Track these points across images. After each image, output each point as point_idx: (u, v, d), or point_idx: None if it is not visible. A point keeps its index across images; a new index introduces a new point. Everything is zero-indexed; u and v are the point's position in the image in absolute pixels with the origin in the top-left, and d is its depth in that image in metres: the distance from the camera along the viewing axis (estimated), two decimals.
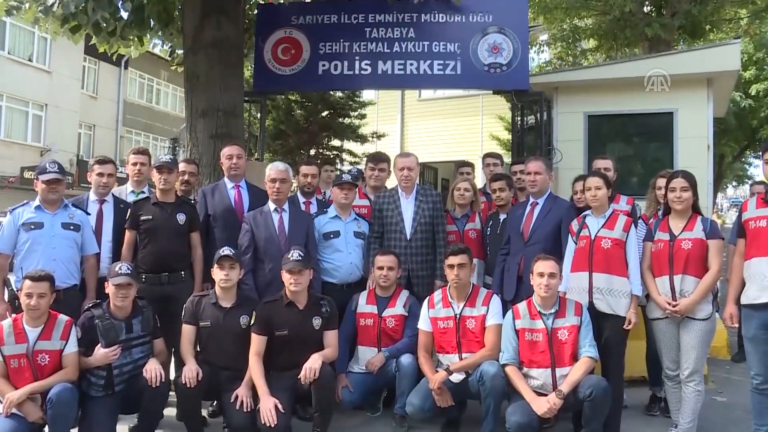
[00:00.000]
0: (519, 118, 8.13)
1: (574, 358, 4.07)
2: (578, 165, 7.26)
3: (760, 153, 4.13)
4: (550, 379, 4.05)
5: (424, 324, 4.49)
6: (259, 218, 4.85)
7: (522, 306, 4.25)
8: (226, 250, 4.33)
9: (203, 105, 6.68)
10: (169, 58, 8.75)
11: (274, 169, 4.90)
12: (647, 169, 7.27)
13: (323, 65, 7.54)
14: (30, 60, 22.91)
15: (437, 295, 4.55)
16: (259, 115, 8.53)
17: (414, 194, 5.12)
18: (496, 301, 4.47)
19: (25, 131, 23.02)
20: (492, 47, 7.27)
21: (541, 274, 4.10)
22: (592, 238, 4.37)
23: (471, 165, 6.44)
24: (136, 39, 7.37)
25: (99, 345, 4.02)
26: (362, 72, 7.47)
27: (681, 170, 4.51)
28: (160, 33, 7.48)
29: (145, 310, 4.27)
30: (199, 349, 4.41)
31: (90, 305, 4.22)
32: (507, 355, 4.17)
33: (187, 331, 4.36)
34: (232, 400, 4.11)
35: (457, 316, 4.41)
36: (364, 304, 4.76)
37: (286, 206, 4.93)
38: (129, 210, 4.86)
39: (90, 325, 4.06)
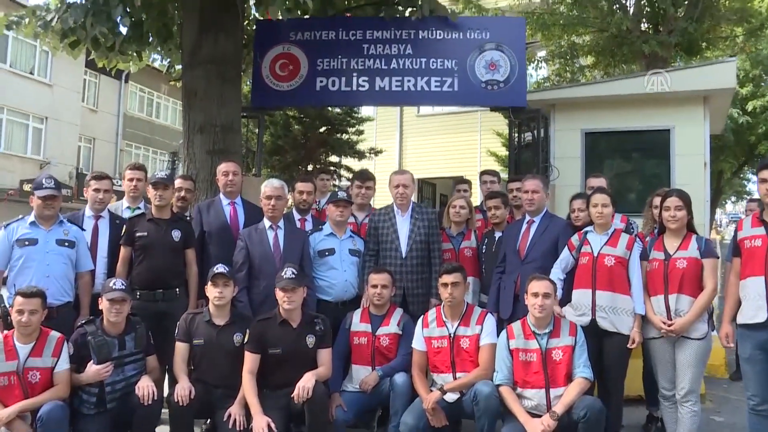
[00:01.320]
0: (516, 135, 8.14)
1: (569, 378, 4.04)
2: (575, 182, 7.25)
3: (756, 170, 4.13)
4: (544, 400, 4.02)
5: (418, 343, 4.47)
6: (254, 235, 4.84)
7: (516, 326, 4.23)
8: (220, 268, 4.33)
9: (200, 120, 6.68)
10: (168, 73, 8.77)
11: (269, 186, 4.91)
12: (644, 187, 7.28)
13: (321, 81, 7.53)
14: (31, 73, 22.98)
15: (431, 314, 4.53)
16: (257, 130, 8.53)
17: (410, 212, 5.11)
18: (490, 320, 4.43)
19: (25, 144, 23.05)
20: (489, 64, 7.28)
21: (536, 294, 4.08)
22: (595, 255, 4.37)
23: (468, 182, 6.44)
24: (135, 54, 7.38)
25: (91, 362, 4.00)
26: (360, 88, 7.46)
27: (675, 189, 4.52)
28: (158, 48, 7.50)
29: (139, 327, 4.26)
30: (192, 367, 4.38)
31: (83, 322, 4.20)
32: (501, 376, 4.14)
33: (181, 348, 4.34)
34: (225, 419, 4.08)
35: (452, 335, 4.37)
36: (357, 323, 4.73)
37: (281, 223, 4.92)
38: (124, 226, 4.84)
39: (82, 342, 4.04)
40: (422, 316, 4.53)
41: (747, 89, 15.14)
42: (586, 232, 4.54)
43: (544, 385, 4.03)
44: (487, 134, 17.02)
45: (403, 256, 5.00)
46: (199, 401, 4.10)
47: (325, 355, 4.35)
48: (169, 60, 8.22)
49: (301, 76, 7.57)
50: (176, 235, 4.80)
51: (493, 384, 4.12)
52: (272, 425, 3.96)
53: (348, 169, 14.10)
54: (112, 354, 4.07)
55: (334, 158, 14.26)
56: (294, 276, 4.27)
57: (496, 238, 5.25)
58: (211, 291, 4.32)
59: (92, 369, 3.97)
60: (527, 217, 4.98)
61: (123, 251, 4.79)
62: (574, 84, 11.10)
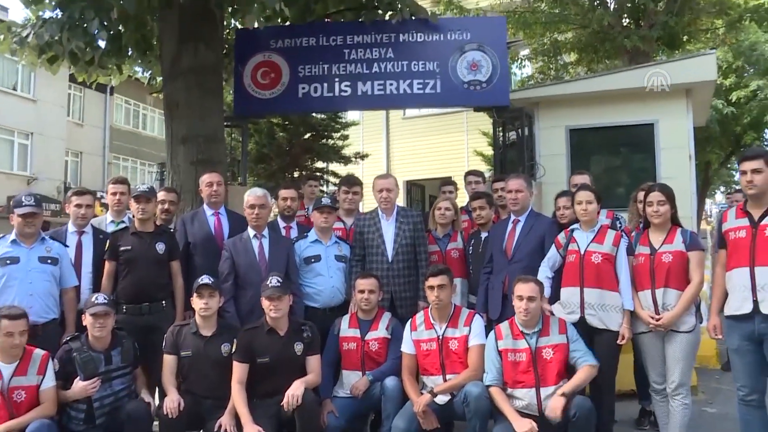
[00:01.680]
0: (501, 134, 8.15)
1: (560, 377, 4.03)
2: (561, 179, 7.27)
3: (737, 162, 4.14)
4: (535, 399, 4.01)
5: (407, 347, 4.46)
6: (239, 245, 4.81)
7: (504, 326, 4.22)
8: (204, 279, 4.30)
9: (183, 131, 6.65)
10: (150, 85, 8.73)
11: (252, 195, 4.88)
12: (630, 181, 7.30)
13: (303, 88, 7.55)
14: (14, 89, 22.85)
15: (419, 317, 4.51)
16: (241, 139, 8.51)
17: (394, 216, 5.10)
18: (478, 321, 4.43)
19: (11, 160, 22.90)
20: (471, 65, 7.30)
21: (521, 298, 4.08)
22: (582, 252, 4.37)
23: (453, 183, 6.43)
24: (114, 67, 7.33)
25: (77, 378, 3.96)
26: (342, 93, 7.48)
27: (658, 184, 4.53)
28: (139, 61, 7.46)
29: (125, 341, 4.23)
30: (181, 379, 4.35)
31: (68, 338, 4.16)
32: (490, 376, 4.13)
33: (169, 361, 4.31)
34: (215, 430, 4.05)
35: (440, 337, 4.37)
36: (346, 328, 4.70)
37: (265, 232, 4.89)
38: (108, 241, 4.81)
39: (68, 359, 4.01)
40: (410, 319, 4.51)
41: (731, 80, 15.19)
42: (573, 230, 4.54)
43: (534, 384, 4.02)
44: (474, 134, 17.03)
45: (390, 260, 4.98)
46: (188, 413, 4.08)
47: (313, 362, 4.33)
48: (150, 72, 8.17)
49: (283, 83, 7.59)
50: (160, 247, 4.77)
51: (483, 385, 4.11)
52: None
53: (335, 174, 14.08)
54: (99, 369, 4.03)
55: (320, 164, 14.24)
56: (279, 284, 4.25)
57: (483, 239, 5.24)
58: (196, 302, 4.29)
59: (79, 385, 3.94)
60: (512, 217, 4.97)
61: (107, 266, 4.75)
62: (557, 81, 11.11)
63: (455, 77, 7.29)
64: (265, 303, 4.25)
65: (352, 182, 5.60)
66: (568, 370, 4.12)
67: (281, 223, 5.50)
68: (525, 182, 4.98)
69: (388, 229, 5.05)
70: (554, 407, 3.85)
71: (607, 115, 7.58)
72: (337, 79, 7.47)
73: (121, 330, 4.30)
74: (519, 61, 14.51)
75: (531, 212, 4.99)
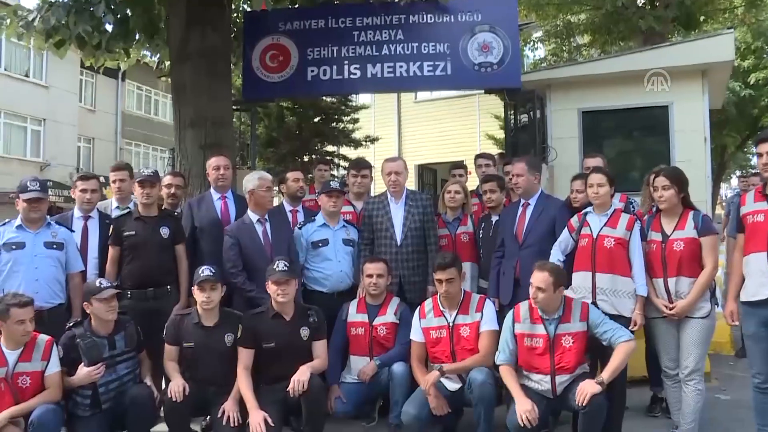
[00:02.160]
0: (512, 117, 8.04)
1: (578, 364, 3.94)
2: (574, 162, 7.17)
3: (754, 143, 4.02)
4: (550, 386, 3.93)
5: (416, 335, 4.38)
6: (244, 230, 4.73)
7: (524, 307, 4.06)
8: (205, 272, 4.21)
9: (191, 115, 6.60)
10: (158, 69, 8.68)
11: (266, 179, 4.80)
12: (644, 165, 7.15)
13: (312, 71, 7.48)
14: (27, 75, 22.87)
15: (428, 304, 4.41)
16: (250, 123, 8.46)
17: (404, 199, 5.02)
18: (489, 307, 4.33)
19: (24, 147, 22.99)
20: (482, 46, 7.19)
21: (531, 285, 3.95)
22: (595, 236, 4.27)
23: (464, 167, 6.35)
24: (122, 51, 7.27)
25: (82, 364, 3.94)
26: (352, 76, 7.40)
27: (665, 167, 4.43)
28: (147, 45, 7.40)
29: (128, 326, 4.20)
30: (184, 367, 4.31)
31: (71, 324, 4.13)
32: (503, 356, 4.04)
33: (170, 351, 4.27)
34: (219, 415, 4.02)
35: (451, 324, 4.28)
36: (354, 313, 4.66)
37: (266, 216, 4.83)
38: (111, 226, 4.78)
39: (71, 345, 3.98)
40: (419, 307, 4.43)
41: (749, 62, 14.94)
42: (586, 213, 4.44)
43: (550, 372, 3.92)
44: (486, 118, 16.89)
45: (398, 243, 4.92)
46: (193, 398, 4.05)
47: (320, 347, 4.28)
48: (158, 56, 8.11)
49: (292, 66, 7.52)
50: (165, 231, 4.73)
51: (488, 371, 4.04)
52: (269, 420, 3.90)
53: (345, 158, 14.02)
54: (103, 355, 4.00)
55: (330, 148, 14.16)
56: (287, 268, 4.19)
57: (493, 222, 5.16)
58: (198, 296, 4.22)
59: (83, 371, 3.91)
60: (522, 200, 4.88)
61: (111, 251, 4.71)
62: (570, 63, 10.95)
63: (466, 59, 7.18)
64: (272, 287, 4.19)
65: (361, 165, 5.54)
66: (589, 351, 4.04)
67: (287, 206, 5.46)
68: (526, 165, 4.85)
69: (397, 212, 4.98)
70: (584, 392, 3.67)
71: (620, 98, 7.43)
72: (346, 62, 7.39)
73: (124, 314, 4.26)
74: (531, 43, 14.33)
75: (541, 195, 4.89)
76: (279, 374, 4.13)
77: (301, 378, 3.97)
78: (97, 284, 4.09)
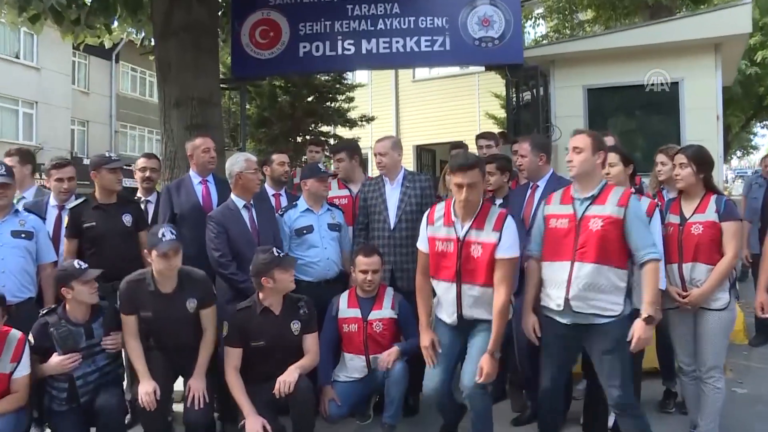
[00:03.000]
0: (514, 95, 7.74)
1: (607, 256, 3.33)
2: None
3: None
4: (566, 276, 3.39)
5: (422, 243, 3.75)
6: (230, 217, 4.35)
7: (558, 193, 3.64)
8: (168, 234, 3.78)
9: (176, 94, 6.26)
10: (142, 46, 8.32)
11: (251, 160, 4.44)
12: (652, 144, 6.84)
13: (304, 47, 7.19)
14: (17, 57, 22.46)
15: (439, 209, 3.70)
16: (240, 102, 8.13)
17: (400, 180, 4.68)
18: (511, 227, 3.52)
19: (16, 130, 22.63)
20: (482, 20, 6.88)
21: (567, 149, 3.48)
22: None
23: (464, 146, 6.02)
24: (103, 27, 6.91)
25: (55, 354, 3.61)
26: (345, 52, 7.10)
27: (689, 145, 4.06)
28: (129, 20, 7.03)
29: (105, 310, 3.85)
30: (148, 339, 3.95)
31: (44, 312, 3.80)
32: (532, 246, 3.67)
33: (129, 322, 3.84)
34: (186, 393, 3.77)
35: (460, 239, 3.54)
36: (345, 308, 4.32)
37: (251, 201, 4.48)
38: (66, 217, 4.38)
39: (44, 333, 3.64)
40: (428, 212, 3.79)
41: (756, 38, 14.54)
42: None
43: (571, 258, 3.38)
44: (486, 96, 16.56)
45: (392, 227, 4.58)
46: (163, 374, 3.81)
47: (310, 341, 3.96)
48: (143, 33, 7.74)
49: (283, 42, 7.24)
50: (127, 219, 4.39)
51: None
52: (267, 427, 3.63)
53: (340, 138, 13.64)
54: (80, 345, 3.67)
55: (324, 128, 13.78)
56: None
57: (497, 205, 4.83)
58: (159, 263, 3.78)
59: (55, 359, 3.58)
60: (531, 183, 4.54)
61: (68, 244, 4.30)
62: (575, 38, 10.59)
63: (465, 34, 6.89)
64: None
65: (335, 150, 5.32)
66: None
67: (270, 191, 5.12)
68: (530, 146, 4.48)
69: (392, 194, 4.65)
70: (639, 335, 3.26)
71: (628, 74, 7.15)
72: (339, 37, 7.09)
73: (103, 299, 3.91)
74: (533, 19, 13.94)
75: (551, 177, 4.50)
76: (268, 373, 3.81)
77: (287, 379, 3.67)
78: (77, 266, 3.74)
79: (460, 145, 6.07)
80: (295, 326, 3.92)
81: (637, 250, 3.34)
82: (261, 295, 3.90)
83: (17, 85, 22.11)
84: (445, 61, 7.75)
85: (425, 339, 3.69)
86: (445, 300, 3.64)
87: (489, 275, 3.49)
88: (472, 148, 6.14)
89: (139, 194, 5.08)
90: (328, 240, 4.61)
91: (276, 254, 3.79)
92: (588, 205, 3.42)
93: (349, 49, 7.05)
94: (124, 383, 4.19)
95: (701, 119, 6.74)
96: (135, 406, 3.77)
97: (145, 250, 3.88)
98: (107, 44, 7.94)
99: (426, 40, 6.93)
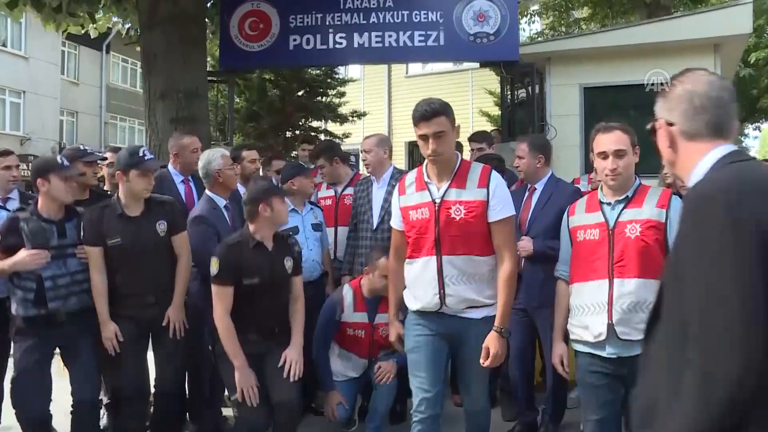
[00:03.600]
0: (509, 93, 7.61)
1: (647, 269, 2.72)
2: (574, 141, 6.79)
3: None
4: (606, 297, 2.79)
5: (395, 220, 3.19)
6: (217, 217, 4.04)
7: (582, 200, 3.15)
8: (147, 153, 3.60)
9: (161, 86, 6.13)
10: (127, 36, 8.13)
11: (225, 156, 4.21)
12: (649, 146, 6.70)
13: (294, 40, 7.06)
14: (4, 45, 22.08)
15: (410, 176, 3.17)
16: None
17: (386, 179, 4.46)
18: (499, 182, 3.00)
19: (2, 119, 22.28)
20: (478, 15, 6.76)
21: (604, 155, 2.87)
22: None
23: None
24: (86, 16, 6.71)
25: (24, 248, 3.36)
26: (337, 46, 6.97)
27: None
28: (114, 9, 6.85)
29: (82, 216, 3.59)
30: (112, 280, 3.56)
31: (16, 209, 3.58)
32: (560, 267, 3.15)
33: (94, 255, 3.47)
34: (164, 323, 3.52)
35: (437, 201, 2.95)
36: (352, 313, 4.06)
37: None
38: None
39: (14, 227, 3.39)
40: (398, 182, 3.30)
41: (750, 40, 14.47)
42: None
43: (608, 275, 2.81)
44: (479, 93, 16.44)
45: (374, 227, 4.37)
46: (135, 351, 3.56)
47: (299, 285, 3.69)
48: (129, 23, 7.55)
49: (273, 34, 7.10)
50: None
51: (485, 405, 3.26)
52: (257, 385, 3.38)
53: (330, 134, 13.44)
54: (51, 242, 3.41)
55: (315, 123, 13.60)
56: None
57: None
58: (140, 182, 3.51)
59: (23, 252, 3.31)
60: (529, 185, 4.35)
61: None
62: (572, 35, 10.46)
63: (460, 29, 6.77)
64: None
65: (315, 155, 4.98)
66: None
67: (242, 189, 4.86)
68: (528, 147, 4.25)
69: (378, 193, 4.46)
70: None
71: (625, 73, 6.98)
72: (331, 30, 6.96)
73: (79, 206, 3.68)
74: (528, 16, 13.80)
75: (550, 179, 4.26)
76: (255, 318, 3.48)
77: (297, 359, 3.47)
78: (59, 160, 3.52)
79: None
80: (288, 263, 3.60)
81: None
82: (253, 228, 3.52)
83: (4, 74, 21.72)
84: (440, 56, 7.65)
85: (392, 333, 3.25)
86: (423, 280, 2.97)
87: (476, 242, 2.90)
88: (466, 145, 5.99)
89: (107, 188, 4.79)
90: (312, 241, 4.44)
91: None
92: (621, 209, 2.87)
93: (341, 43, 6.93)
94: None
95: None
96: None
97: (118, 171, 3.55)
98: (92, 34, 7.77)
99: (420, 35, 6.81)
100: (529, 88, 7.33)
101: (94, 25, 7.29)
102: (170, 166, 4.61)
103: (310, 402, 4.56)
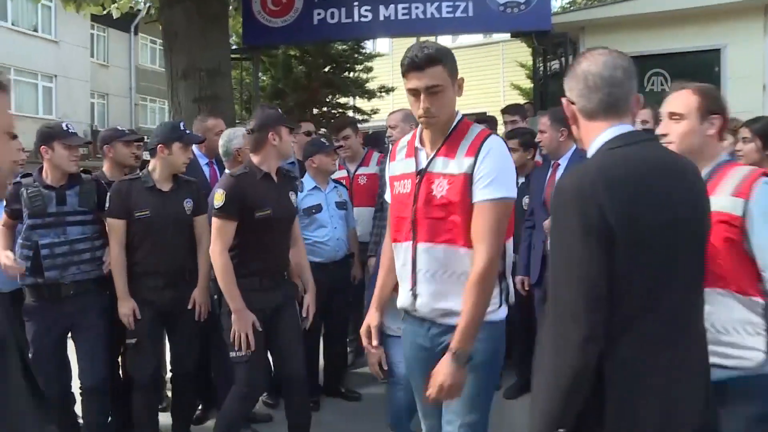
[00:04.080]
0: (541, 64, 7.35)
1: (721, 277, 2.02)
2: None
3: None
4: None
5: (387, 193, 2.54)
6: None
7: None
8: (184, 126, 3.63)
9: (183, 65, 5.98)
10: (148, 15, 8.01)
11: (246, 135, 4.05)
12: None
13: (318, 14, 6.91)
14: (35, 30, 22.29)
15: (404, 139, 2.49)
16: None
17: None
18: (495, 151, 2.21)
19: (36, 104, 22.55)
20: None
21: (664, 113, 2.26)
22: None
23: (487, 120, 5.64)
24: None
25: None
26: (362, 19, 6.81)
27: (756, 117, 3.59)
28: None
29: (87, 184, 3.51)
30: (133, 255, 3.47)
31: (21, 174, 3.52)
32: None
33: (117, 229, 3.39)
34: (190, 306, 3.43)
35: (419, 173, 2.29)
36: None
37: None
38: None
39: (16, 194, 3.37)
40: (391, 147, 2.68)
41: None
42: None
43: None
44: (511, 66, 16.07)
45: None
46: (152, 340, 3.49)
47: (297, 225, 3.62)
48: (150, 2, 7.43)
49: (297, 9, 6.95)
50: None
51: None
52: (257, 325, 3.15)
53: (359, 110, 13.23)
54: (48, 209, 3.34)
55: (342, 99, 13.38)
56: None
57: (519, 185, 4.43)
58: (183, 155, 3.50)
59: (3, 255, 3.24)
60: (552, 161, 4.14)
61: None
62: (607, 2, 10.06)
63: None
64: (285, 133, 3.33)
65: (338, 128, 4.88)
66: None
67: None
68: (549, 120, 4.03)
69: None
70: None
71: (664, 41, 6.70)
72: (356, 3, 6.80)
73: (87, 173, 3.61)
74: None
75: (574, 153, 4.05)
76: (266, 258, 3.25)
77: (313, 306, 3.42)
78: (64, 127, 3.45)
79: (483, 119, 5.68)
80: (293, 197, 3.47)
81: (765, 268, 2.00)
82: (258, 159, 3.29)
83: (36, 59, 21.96)
84: (469, 28, 7.41)
85: (364, 323, 2.53)
86: (402, 273, 2.37)
87: (460, 229, 2.19)
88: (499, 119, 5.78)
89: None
90: (336, 219, 4.30)
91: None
92: None
93: (366, 16, 6.76)
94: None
95: (745, 89, 6.27)
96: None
97: (160, 144, 3.47)
98: (115, 14, 7.64)
99: (448, 6, 6.61)
100: (563, 59, 7.11)
101: (116, 5, 7.17)
102: (195, 148, 4.49)
103: (338, 385, 4.47)
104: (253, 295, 3.17)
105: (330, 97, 12.89)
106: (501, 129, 5.67)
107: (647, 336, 1.54)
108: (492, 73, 17.28)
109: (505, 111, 5.61)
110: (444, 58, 2.24)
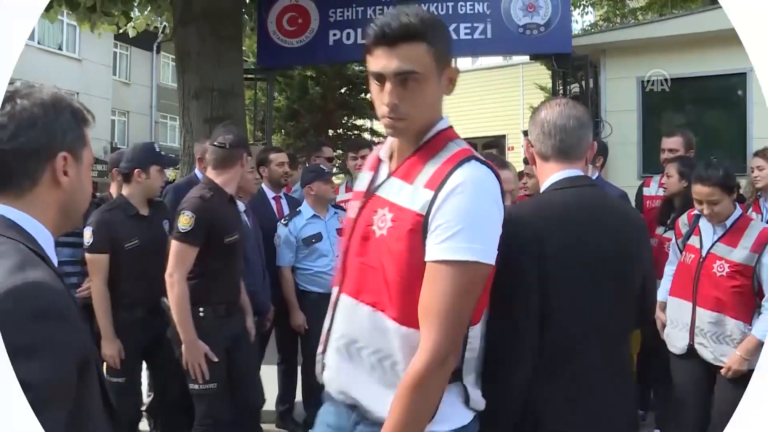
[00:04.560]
0: (561, 87, 7.19)
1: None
2: (631, 139, 6.36)
3: None
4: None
5: None
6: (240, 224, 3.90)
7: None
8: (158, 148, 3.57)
9: (196, 85, 5.96)
10: (164, 34, 8.02)
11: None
12: (714, 144, 6.22)
13: (334, 35, 6.79)
14: (60, 49, 22.66)
15: (382, 146, 1.78)
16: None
17: None
18: (460, 187, 1.43)
19: None
20: (527, 5, 6.37)
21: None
22: (703, 255, 3.07)
23: (497, 146, 5.52)
24: (121, 15, 6.60)
25: None
26: None
27: None
28: (148, 6, 6.71)
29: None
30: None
31: None
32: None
33: (100, 264, 3.21)
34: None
35: (368, 193, 1.64)
36: None
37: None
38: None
39: None
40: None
41: None
42: (698, 217, 3.19)
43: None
44: (530, 88, 15.95)
45: None
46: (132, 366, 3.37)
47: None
48: (164, 20, 7.43)
49: (312, 29, 6.84)
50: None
51: None
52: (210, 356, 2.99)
53: (375, 133, 13.14)
54: None
55: (359, 121, 13.30)
56: None
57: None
58: (159, 179, 3.41)
59: None
60: None
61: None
62: (628, 24, 9.91)
63: (509, 20, 6.37)
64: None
65: (358, 146, 4.86)
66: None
67: (270, 193, 4.58)
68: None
69: None
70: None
71: (687, 64, 6.48)
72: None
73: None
74: (581, 6, 13.27)
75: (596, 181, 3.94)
76: (230, 284, 3.15)
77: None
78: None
79: (491, 145, 5.55)
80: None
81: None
82: (225, 179, 3.15)
83: (60, 77, 22.19)
84: (487, 50, 7.28)
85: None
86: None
87: (392, 291, 1.48)
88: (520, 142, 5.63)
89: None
90: (337, 248, 4.16)
91: None
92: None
93: None
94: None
95: None
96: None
97: (136, 169, 3.33)
98: (131, 33, 7.68)
99: (466, 28, 6.44)
100: (583, 83, 6.95)
101: (133, 24, 7.17)
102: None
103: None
104: (223, 322, 3.08)
105: (346, 118, 12.82)
106: (511, 156, 5.52)
107: (575, 378, 1.66)
108: (511, 95, 17.18)
109: (527, 134, 5.44)
110: (430, 33, 1.49)
